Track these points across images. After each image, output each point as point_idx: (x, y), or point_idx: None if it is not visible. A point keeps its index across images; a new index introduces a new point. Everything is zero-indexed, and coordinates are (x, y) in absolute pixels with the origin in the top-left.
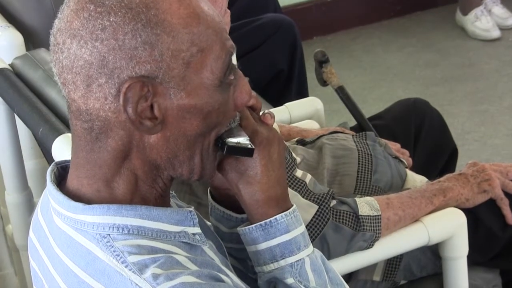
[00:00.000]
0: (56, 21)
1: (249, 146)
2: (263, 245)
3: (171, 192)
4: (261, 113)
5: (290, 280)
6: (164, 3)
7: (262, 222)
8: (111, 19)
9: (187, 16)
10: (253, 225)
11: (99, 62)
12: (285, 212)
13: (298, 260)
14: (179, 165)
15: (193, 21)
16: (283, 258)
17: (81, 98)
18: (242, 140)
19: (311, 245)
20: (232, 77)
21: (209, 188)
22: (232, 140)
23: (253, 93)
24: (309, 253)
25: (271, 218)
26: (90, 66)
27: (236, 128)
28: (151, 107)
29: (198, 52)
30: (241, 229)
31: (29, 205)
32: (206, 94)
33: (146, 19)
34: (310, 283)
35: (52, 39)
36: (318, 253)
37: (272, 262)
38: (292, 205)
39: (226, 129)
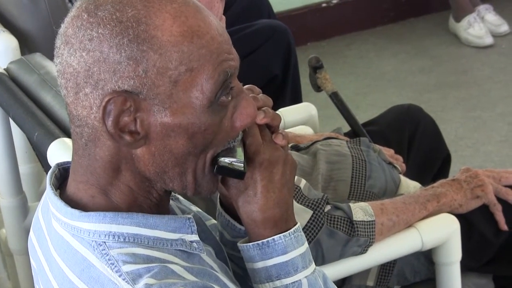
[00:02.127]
0: (62, 24)
1: (241, 168)
2: (259, 264)
3: (173, 195)
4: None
5: None
6: (158, 19)
7: (260, 242)
8: (100, 31)
9: (179, 34)
10: (250, 244)
11: (85, 72)
12: (284, 233)
13: (294, 282)
14: (169, 181)
15: (184, 40)
16: (279, 279)
17: (72, 104)
18: (236, 161)
19: (313, 264)
20: (226, 98)
21: (218, 194)
22: (225, 160)
23: (270, 111)
24: (307, 274)
25: (269, 239)
26: (78, 74)
27: (235, 149)
28: (135, 121)
29: (187, 71)
30: (240, 245)
31: (24, 210)
32: (193, 114)
33: (134, 35)
34: None
35: (56, 41)
36: (319, 273)
37: (267, 282)
38: (294, 226)
39: (224, 148)
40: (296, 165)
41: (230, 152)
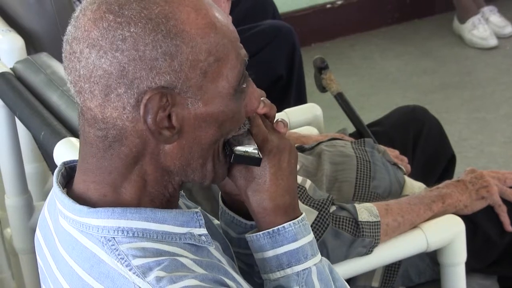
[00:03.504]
0: (71, 29)
1: (257, 155)
2: (270, 253)
3: (180, 193)
4: (275, 120)
5: None
6: (182, 14)
7: (270, 230)
8: (132, 30)
9: (204, 26)
10: (260, 233)
11: (118, 72)
12: (293, 221)
13: (304, 269)
14: (191, 172)
15: (210, 31)
16: (290, 267)
17: (98, 107)
18: (250, 148)
19: (319, 254)
20: (245, 85)
21: (220, 193)
22: (240, 148)
23: (267, 101)
24: (316, 262)
25: (279, 226)
26: (110, 76)
27: (246, 136)
28: (169, 116)
29: (215, 62)
30: (248, 236)
31: (29, 209)
32: (222, 103)
33: (166, 30)
34: None
35: (67, 47)
36: (325, 262)
37: (278, 270)
38: (301, 214)
39: (234, 134)
40: (297, 154)
41: (240, 140)
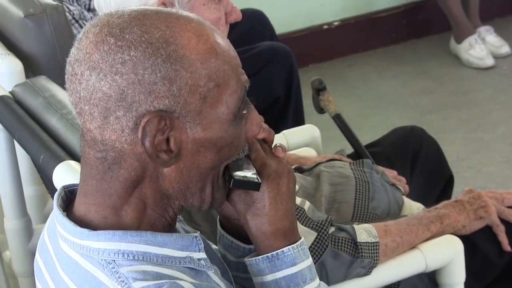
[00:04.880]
0: (74, 50)
1: (256, 180)
2: (269, 277)
3: (178, 216)
4: (273, 145)
5: None
6: (183, 39)
7: (269, 254)
8: (132, 54)
9: (205, 52)
10: (259, 257)
11: (118, 95)
12: (292, 245)
13: None
14: (190, 196)
15: (211, 56)
16: None
17: (97, 129)
18: (249, 173)
19: (317, 278)
20: (245, 111)
21: (218, 217)
22: (239, 173)
23: (265, 126)
24: (314, 286)
25: (278, 251)
26: (109, 98)
27: (245, 161)
28: (167, 140)
29: (215, 87)
30: (248, 260)
31: (28, 232)
32: (221, 128)
33: (166, 55)
34: None
35: (69, 68)
36: (324, 286)
37: None
38: (300, 238)
39: (234, 159)
40: (295, 178)
41: (239, 166)
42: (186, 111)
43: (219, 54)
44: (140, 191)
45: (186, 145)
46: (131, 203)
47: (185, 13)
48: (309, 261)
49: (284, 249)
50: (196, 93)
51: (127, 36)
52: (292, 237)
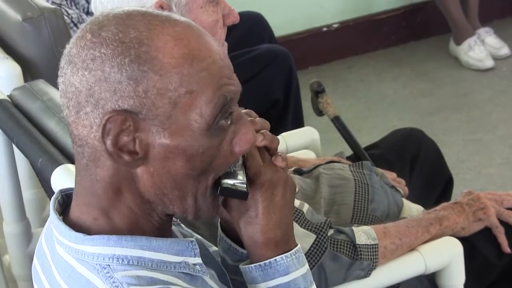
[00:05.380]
0: (67, 45)
1: (244, 189)
2: (262, 285)
3: (175, 220)
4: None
5: None
6: (159, 41)
7: (262, 263)
8: (102, 51)
9: (180, 57)
10: (252, 265)
11: (87, 91)
12: (285, 254)
13: None
14: (169, 203)
15: (185, 62)
16: None
17: (73, 123)
18: (238, 182)
19: (314, 286)
20: (225, 122)
21: (219, 220)
22: (228, 181)
23: (268, 133)
24: None
25: (271, 259)
26: (79, 93)
27: (240, 168)
28: (134, 141)
29: (187, 94)
30: (242, 267)
31: (27, 236)
32: (191, 137)
33: (135, 55)
34: None
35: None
36: None
37: None
38: (295, 246)
39: (224, 172)
40: (295, 186)
41: (231, 176)
42: (153, 114)
43: (197, 61)
44: (122, 197)
45: (153, 149)
46: (117, 207)
47: (177, 17)
48: (304, 269)
49: (277, 258)
50: (165, 97)
51: (103, 34)
52: (285, 246)
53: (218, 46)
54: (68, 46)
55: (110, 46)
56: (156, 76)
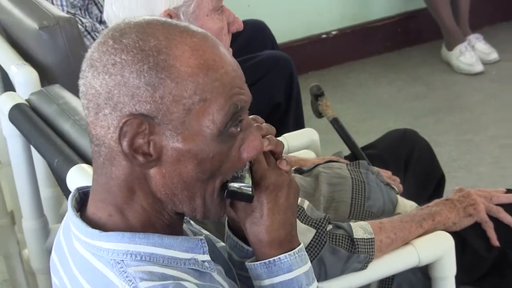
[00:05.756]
0: (89, 49)
1: (250, 192)
2: (266, 282)
3: (185, 218)
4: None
5: None
6: (177, 50)
7: (266, 261)
8: (122, 57)
9: (195, 66)
10: (257, 262)
11: (106, 94)
12: (289, 253)
13: None
14: (179, 203)
15: (200, 71)
16: None
17: (92, 123)
18: (244, 186)
19: (315, 282)
20: (235, 129)
21: (226, 218)
22: (234, 184)
23: (273, 138)
24: None
25: (275, 258)
26: (99, 96)
27: (247, 172)
28: (148, 144)
29: (201, 101)
30: (248, 264)
31: (45, 231)
32: (203, 142)
33: (154, 63)
34: None
35: (82, 64)
36: None
37: None
38: (298, 245)
39: (234, 176)
40: (299, 189)
41: (238, 180)
42: (168, 119)
43: (210, 71)
44: (136, 195)
45: (166, 152)
46: (130, 205)
47: (194, 28)
48: (307, 267)
49: (281, 256)
50: (179, 103)
51: (124, 41)
52: (288, 246)
53: (231, 58)
54: (90, 50)
55: (131, 52)
56: (173, 83)
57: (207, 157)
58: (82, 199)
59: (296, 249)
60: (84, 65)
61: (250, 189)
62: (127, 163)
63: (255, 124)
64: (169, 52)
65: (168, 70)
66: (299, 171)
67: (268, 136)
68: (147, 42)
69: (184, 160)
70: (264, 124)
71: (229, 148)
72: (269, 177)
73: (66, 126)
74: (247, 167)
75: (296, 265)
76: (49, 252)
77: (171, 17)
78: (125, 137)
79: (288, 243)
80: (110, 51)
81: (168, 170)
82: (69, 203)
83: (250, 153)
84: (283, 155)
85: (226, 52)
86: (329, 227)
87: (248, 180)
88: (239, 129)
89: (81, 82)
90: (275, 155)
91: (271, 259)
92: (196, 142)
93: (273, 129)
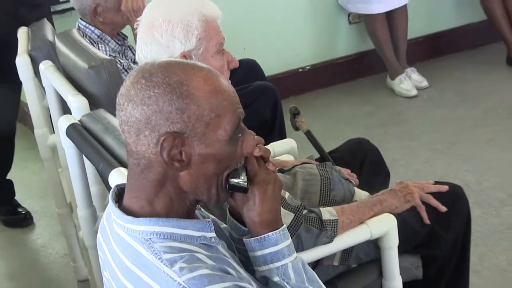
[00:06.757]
0: (121, 88)
1: (245, 185)
2: (258, 253)
3: (197, 206)
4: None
5: (276, 278)
6: (194, 81)
7: (258, 237)
8: (155, 91)
9: (209, 91)
10: (252, 239)
11: (145, 120)
12: (275, 231)
13: (283, 265)
14: (200, 193)
15: (212, 95)
16: (272, 263)
17: (133, 143)
18: (241, 181)
19: (295, 253)
20: (239, 135)
21: (228, 206)
22: (234, 180)
23: (263, 147)
24: (291, 259)
25: (265, 235)
26: (139, 122)
27: (243, 171)
28: (181, 153)
29: (216, 117)
30: (244, 240)
31: (94, 218)
32: (220, 146)
33: (180, 93)
34: (291, 281)
35: (117, 100)
36: (299, 259)
37: (264, 265)
38: (282, 225)
39: (234, 168)
40: (282, 184)
41: (236, 174)
42: (194, 133)
43: (220, 94)
44: (165, 189)
45: (194, 157)
46: (160, 197)
47: (200, 64)
48: (288, 241)
49: (269, 234)
50: (201, 120)
51: (153, 79)
52: (274, 226)
53: (229, 85)
54: (123, 89)
55: (161, 87)
56: (195, 106)
57: (223, 157)
58: (120, 193)
59: (280, 229)
60: (122, 100)
61: (246, 183)
62: (162, 168)
63: (249, 131)
64: (189, 84)
65: (190, 97)
66: (281, 170)
67: (259, 145)
68: (171, 78)
69: (206, 161)
70: (256, 136)
71: (235, 148)
72: (260, 175)
73: (108, 140)
74: (242, 163)
75: (281, 240)
76: (96, 233)
77: (185, 58)
78: (164, 150)
79: (275, 224)
80: (144, 88)
81: (195, 170)
82: (110, 196)
83: (249, 149)
84: (270, 159)
85: (225, 80)
86: (304, 211)
87: (244, 177)
88: (239, 134)
89: (121, 113)
90: (264, 159)
91: (262, 236)
92: (214, 147)
93: (262, 140)
